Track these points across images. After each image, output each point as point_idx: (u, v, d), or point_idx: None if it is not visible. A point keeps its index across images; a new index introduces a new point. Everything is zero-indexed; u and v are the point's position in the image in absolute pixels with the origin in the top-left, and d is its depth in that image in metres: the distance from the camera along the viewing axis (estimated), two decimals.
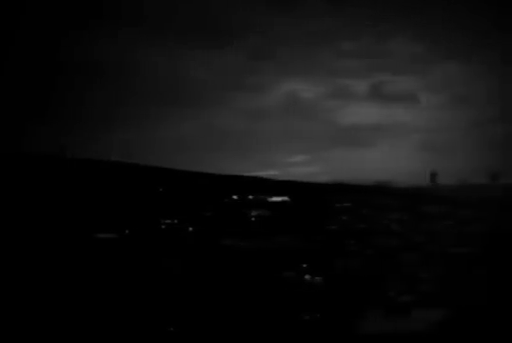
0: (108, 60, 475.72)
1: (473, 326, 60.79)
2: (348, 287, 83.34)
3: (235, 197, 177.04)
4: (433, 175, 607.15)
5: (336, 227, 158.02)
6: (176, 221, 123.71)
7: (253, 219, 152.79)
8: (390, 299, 75.33)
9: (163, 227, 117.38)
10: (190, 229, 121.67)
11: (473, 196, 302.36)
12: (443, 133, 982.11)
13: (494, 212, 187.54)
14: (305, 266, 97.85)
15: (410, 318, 61.67)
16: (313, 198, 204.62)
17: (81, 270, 75.75)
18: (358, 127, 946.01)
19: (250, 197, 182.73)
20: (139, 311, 64.21)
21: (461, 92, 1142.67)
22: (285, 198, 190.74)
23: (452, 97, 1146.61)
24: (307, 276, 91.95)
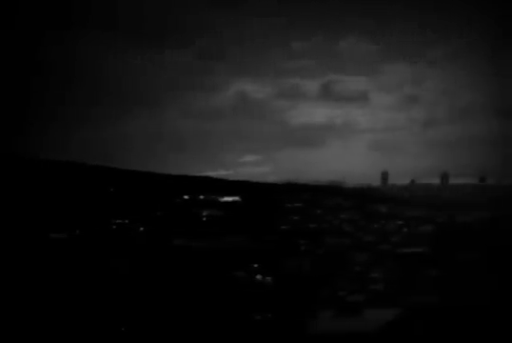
0: (55, 60, 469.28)
1: (425, 325, 61.75)
2: (299, 286, 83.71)
3: (186, 197, 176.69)
4: (384, 175, 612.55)
5: (287, 227, 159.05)
6: (127, 221, 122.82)
7: (204, 219, 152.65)
8: (341, 299, 75.95)
9: (114, 227, 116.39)
10: (141, 229, 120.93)
11: (423, 196, 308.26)
12: (393, 133, 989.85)
13: (444, 212, 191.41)
14: (256, 266, 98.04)
15: (361, 318, 62.04)
16: (264, 198, 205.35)
17: (31, 270, 74.59)
18: (309, 127, 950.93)
19: (201, 197, 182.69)
20: (85, 310, 63.40)
21: (411, 92, 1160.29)
22: (237, 198, 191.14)
23: (403, 97, 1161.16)
24: (258, 276, 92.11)
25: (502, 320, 62.58)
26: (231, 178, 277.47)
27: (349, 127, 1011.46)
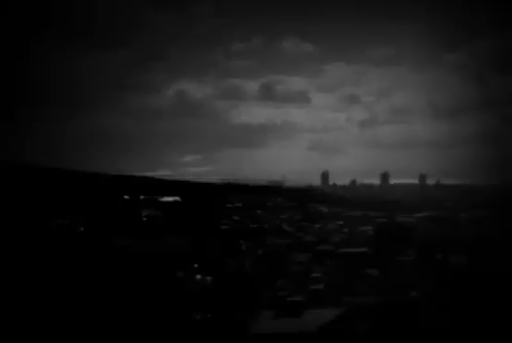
0: None
1: (366, 324, 62.70)
2: (240, 286, 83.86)
3: (127, 197, 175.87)
4: (324, 175, 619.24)
5: (228, 227, 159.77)
6: (67, 221, 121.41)
7: (144, 219, 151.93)
8: (282, 299, 76.38)
9: (54, 227, 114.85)
10: (82, 229, 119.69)
11: (364, 196, 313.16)
12: (333, 134, 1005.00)
13: (385, 212, 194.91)
14: (196, 266, 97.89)
15: (302, 318, 62.38)
16: (205, 198, 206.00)
17: None
18: (249, 127, 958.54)
19: (142, 197, 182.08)
20: (23, 311, 62.32)
21: (351, 93, 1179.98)
22: (177, 198, 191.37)
23: (343, 98, 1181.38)
24: (198, 276, 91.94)
25: (439, 317, 64.08)
26: (172, 178, 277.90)
27: (289, 127, 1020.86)
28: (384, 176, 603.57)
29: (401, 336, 59.07)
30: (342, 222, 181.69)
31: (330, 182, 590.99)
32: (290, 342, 55.49)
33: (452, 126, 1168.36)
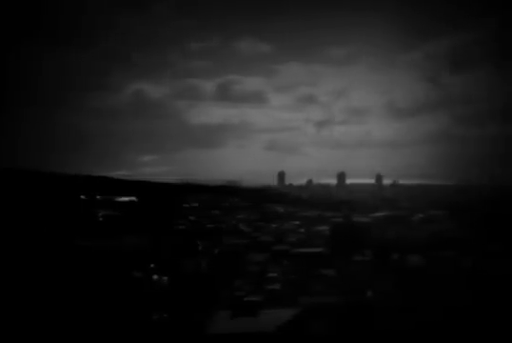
0: None
1: (323, 324, 63.49)
2: (196, 286, 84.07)
3: (83, 197, 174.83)
4: (281, 175, 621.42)
5: (184, 227, 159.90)
6: (25, 221, 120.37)
7: (101, 219, 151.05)
8: (238, 299, 76.81)
9: (10, 227, 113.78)
10: (38, 228, 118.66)
11: (320, 196, 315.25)
12: (290, 133, 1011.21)
13: (341, 212, 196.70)
14: (152, 266, 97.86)
15: (259, 318, 62.87)
16: (161, 198, 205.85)
17: None
18: (207, 127, 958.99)
19: (98, 197, 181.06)
20: None
21: (308, 93, 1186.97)
22: (133, 198, 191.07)
23: (299, 98, 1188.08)
24: (155, 276, 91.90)
25: (396, 318, 65.31)
26: (129, 178, 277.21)
27: (246, 127, 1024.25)
28: (341, 176, 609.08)
29: (357, 337, 60.09)
30: (298, 222, 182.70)
31: (287, 182, 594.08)
32: (247, 342, 55.96)
33: (408, 125, 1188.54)
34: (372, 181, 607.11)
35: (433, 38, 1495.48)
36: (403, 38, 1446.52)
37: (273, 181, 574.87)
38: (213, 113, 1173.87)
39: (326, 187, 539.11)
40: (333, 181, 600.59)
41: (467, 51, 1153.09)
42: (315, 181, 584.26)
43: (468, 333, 59.63)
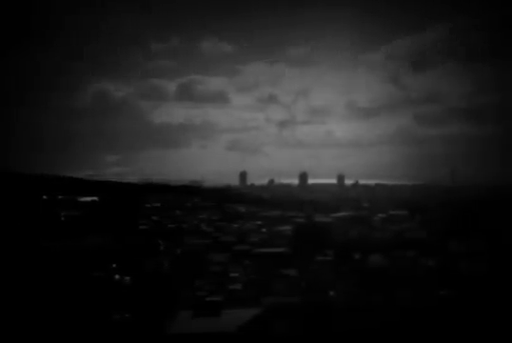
0: None
1: (285, 324, 63.75)
2: (158, 286, 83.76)
3: (45, 197, 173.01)
4: (243, 175, 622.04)
5: (146, 227, 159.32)
6: None
7: (63, 219, 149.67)
8: (200, 299, 76.64)
9: None
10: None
11: (282, 196, 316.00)
12: (252, 133, 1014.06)
13: (303, 212, 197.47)
14: (114, 266, 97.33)
15: (220, 318, 62.85)
16: (124, 198, 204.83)
17: None
18: (169, 127, 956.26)
19: (60, 197, 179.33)
20: None
21: (270, 93, 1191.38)
22: (95, 198, 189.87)
23: (261, 98, 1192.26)
24: (117, 276, 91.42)
25: (358, 316, 65.93)
26: (91, 178, 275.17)
27: (209, 127, 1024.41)
28: (303, 176, 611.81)
29: (319, 336, 60.50)
30: (260, 222, 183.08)
31: (248, 182, 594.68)
32: (209, 342, 55.95)
33: (369, 125, 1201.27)
34: (334, 181, 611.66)
35: (394, 39, 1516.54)
36: (365, 39, 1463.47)
37: (235, 181, 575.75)
38: (176, 113, 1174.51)
39: (288, 187, 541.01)
40: (295, 181, 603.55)
41: (428, 52, 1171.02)
42: (277, 181, 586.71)
43: (427, 334, 60.44)
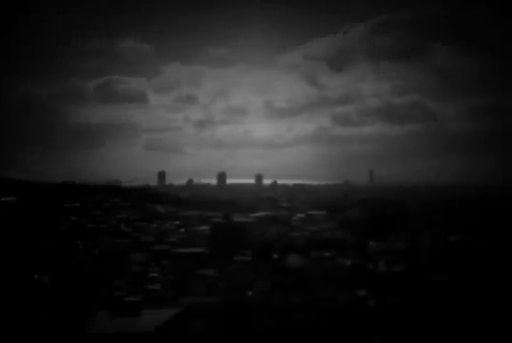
0: None
1: (203, 324, 64.43)
2: (77, 286, 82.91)
3: None
4: (161, 175, 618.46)
5: (65, 227, 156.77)
6: None
7: None
8: (119, 299, 76.39)
9: None
10: None
11: (201, 196, 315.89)
12: (171, 133, 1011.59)
13: (221, 212, 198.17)
14: (33, 266, 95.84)
15: (139, 318, 62.91)
16: (42, 198, 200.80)
17: None
18: (89, 127, 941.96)
19: None
20: None
21: (189, 93, 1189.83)
22: (13, 198, 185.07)
23: (180, 98, 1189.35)
24: (36, 276, 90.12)
25: (276, 316, 67.25)
26: (7, 177, 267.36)
27: (128, 127, 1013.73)
28: (221, 176, 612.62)
29: (237, 336, 61.44)
30: (178, 222, 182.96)
31: (167, 182, 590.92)
32: (127, 342, 56.15)
33: (287, 126, 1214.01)
34: (252, 181, 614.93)
35: (311, 39, 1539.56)
36: (283, 38, 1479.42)
37: (154, 181, 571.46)
38: (95, 113, 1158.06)
39: (207, 187, 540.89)
40: (214, 181, 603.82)
41: (345, 52, 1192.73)
42: (196, 181, 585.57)
43: (345, 335, 62.17)
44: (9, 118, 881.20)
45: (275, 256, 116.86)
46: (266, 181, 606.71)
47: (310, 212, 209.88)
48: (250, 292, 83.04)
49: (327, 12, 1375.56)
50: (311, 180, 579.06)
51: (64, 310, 69.37)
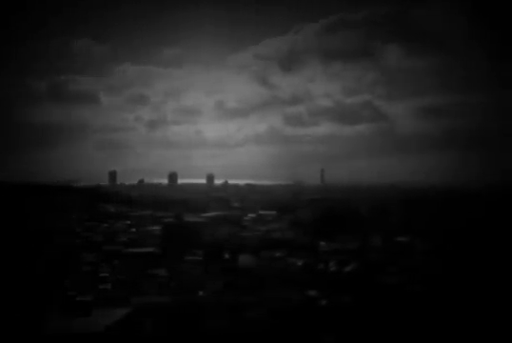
0: None
1: (154, 323, 64.56)
2: (29, 286, 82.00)
3: None
4: (112, 175, 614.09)
5: (17, 227, 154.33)
6: None
7: None
8: (70, 299, 75.82)
9: None
10: None
11: (152, 196, 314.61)
12: (122, 133, 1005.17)
13: (172, 212, 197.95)
14: None
15: (90, 318, 62.70)
16: None
17: None
18: (39, 127, 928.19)
19: None
20: None
21: (140, 93, 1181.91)
22: None
23: (132, 98, 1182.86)
24: None
25: (226, 316, 67.80)
26: None
27: (80, 127, 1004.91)
28: (172, 176, 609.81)
29: (187, 336, 61.74)
30: (129, 222, 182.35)
31: (118, 181, 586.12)
32: (78, 342, 56.05)
33: (238, 126, 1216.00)
34: (203, 181, 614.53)
35: (262, 39, 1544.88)
36: (234, 39, 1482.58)
37: (105, 180, 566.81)
38: (46, 113, 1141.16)
39: (158, 186, 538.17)
40: (165, 181, 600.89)
41: (295, 52, 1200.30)
42: (147, 181, 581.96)
43: (295, 335, 62.93)
44: None
45: (226, 256, 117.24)
46: (218, 181, 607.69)
47: (261, 212, 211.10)
48: (202, 292, 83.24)
49: (279, 13, 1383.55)
50: (262, 180, 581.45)
51: (15, 310, 68.67)
